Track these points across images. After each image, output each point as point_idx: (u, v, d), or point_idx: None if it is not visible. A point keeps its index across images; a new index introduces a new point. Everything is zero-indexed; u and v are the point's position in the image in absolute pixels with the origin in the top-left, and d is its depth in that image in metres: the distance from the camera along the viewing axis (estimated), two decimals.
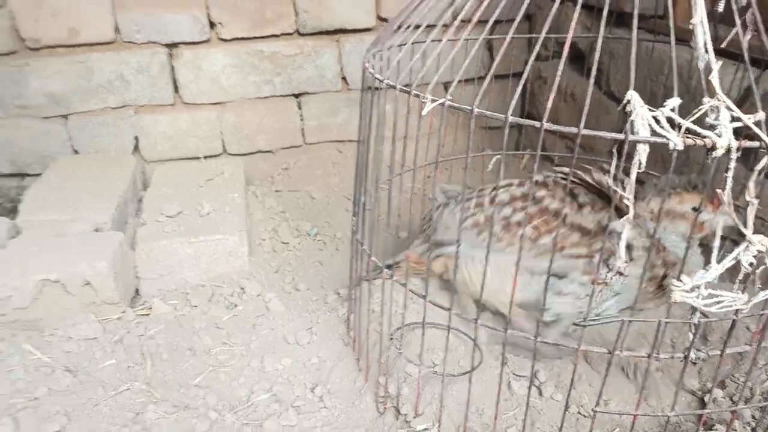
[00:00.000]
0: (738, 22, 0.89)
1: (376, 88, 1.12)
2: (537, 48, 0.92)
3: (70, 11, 2.04)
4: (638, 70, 1.75)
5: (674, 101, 0.78)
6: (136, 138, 2.25)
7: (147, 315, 1.50)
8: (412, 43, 1.19)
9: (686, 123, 0.77)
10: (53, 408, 1.20)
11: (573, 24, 0.85)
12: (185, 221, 1.70)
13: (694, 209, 1.16)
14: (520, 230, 1.23)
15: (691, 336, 0.78)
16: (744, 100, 1.41)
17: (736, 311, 0.77)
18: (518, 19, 0.94)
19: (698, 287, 0.77)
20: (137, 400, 1.24)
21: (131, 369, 1.33)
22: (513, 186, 1.37)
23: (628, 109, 0.79)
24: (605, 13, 0.87)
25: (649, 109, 0.78)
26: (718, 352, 0.79)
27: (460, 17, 1.04)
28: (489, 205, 1.34)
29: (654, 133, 0.76)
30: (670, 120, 0.77)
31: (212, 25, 2.19)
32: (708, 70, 0.80)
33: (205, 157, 2.31)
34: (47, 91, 2.12)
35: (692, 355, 0.78)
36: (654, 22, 1.70)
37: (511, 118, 0.85)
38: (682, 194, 1.18)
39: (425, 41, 1.04)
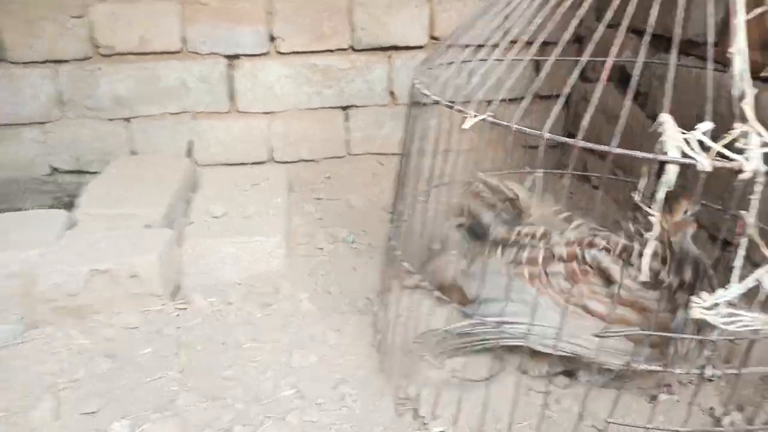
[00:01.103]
0: None
1: (423, 104, 1.16)
2: (580, 67, 0.94)
3: (143, 22, 2.19)
4: (685, 95, 1.72)
5: (706, 125, 0.79)
6: (191, 142, 2.36)
7: (186, 309, 1.56)
8: (461, 62, 1.23)
9: (717, 146, 0.77)
10: (92, 389, 1.27)
11: (615, 48, 0.87)
12: (229, 222, 1.77)
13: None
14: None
15: (708, 353, 0.77)
16: None
17: (756, 331, 0.76)
18: (564, 39, 0.96)
19: (717, 305, 0.76)
20: (170, 388, 1.30)
21: (167, 358, 1.39)
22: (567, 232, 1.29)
23: (659, 130, 0.80)
24: (646, 38, 0.89)
25: (682, 132, 0.79)
26: (735, 371, 0.78)
27: (509, 38, 1.07)
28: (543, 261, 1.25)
29: (684, 155, 0.77)
30: (701, 143, 0.78)
31: (272, 38, 2.29)
32: (741, 96, 0.81)
33: (252, 163, 2.41)
34: (114, 95, 2.26)
35: (708, 372, 0.78)
36: (704, 49, 1.68)
37: (547, 135, 0.87)
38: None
39: (472, 60, 1.08)
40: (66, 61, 2.19)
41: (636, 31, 1.96)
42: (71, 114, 2.26)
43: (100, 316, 1.50)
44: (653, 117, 1.91)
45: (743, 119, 0.79)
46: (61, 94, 2.23)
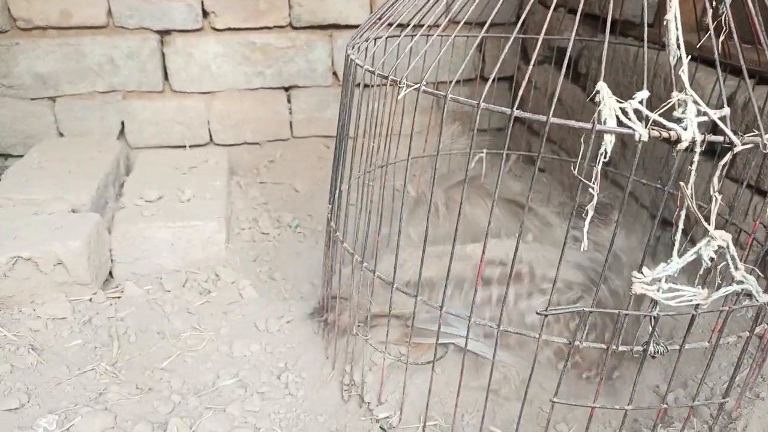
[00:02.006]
0: (711, 26, 0.89)
1: (364, 85, 1.12)
2: (536, 54, 0.91)
3: None
4: (624, 75, 1.75)
5: (643, 94, 0.78)
6: (122, 123, 2.24)
7: (118, 298, 1.48)
8: (392, 36, 1.19)
9: (653, 115, 0.77)
10: (14, 385, 1.19)
11: (545, 24, 0.85)
12: (165, 206, 1.69)
13: None
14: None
15: (650, 329, 0.77)
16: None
17: (696, 306, 0.77)
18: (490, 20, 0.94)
19: (659, 280, 0.77)
20: (101, 381, 1.23)
21: (98, 350, 1.32)
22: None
23: (597, 99, 0.79)
24: (578, 17, 0.88)
25: (618, 101, 0.78)
26: (677, 347, 0.79)
27: (448, 17, 1.05)
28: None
29: (621, 124, 0.76)
30: (638, 113, 0.77)
31: (205, 14, 2.18)
32: (678, 63, 0.80)
33: (191, 146, 2.30)
34: (35, 72, 2.11)
35: (651, 349, 0.78)
36: (642, 30, 1.71)
37: (483, 104, 0.85)
38: None
39: (411, 35, 1.04)
40: None
41: (573, 12, 1.98)
42: None
43: (24, 307, 1.40)
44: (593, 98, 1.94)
45: (680, 88, 0.78)
46: None
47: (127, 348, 1.33)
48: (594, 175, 0.75)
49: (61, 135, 2.21)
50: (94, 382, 1.22)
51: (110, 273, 1.58)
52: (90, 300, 1.45)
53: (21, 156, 2.01)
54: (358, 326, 1.14)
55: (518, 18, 2.34)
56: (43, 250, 1.39)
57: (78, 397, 1.18)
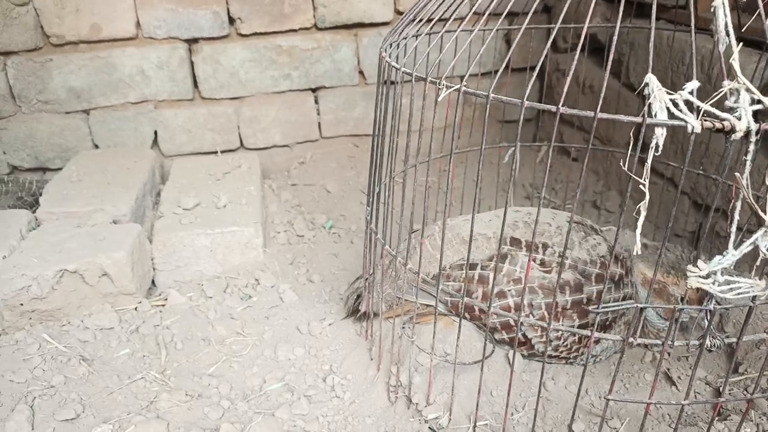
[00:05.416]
0: (761, 5, 0.86)
1: (392, 82, 1.12)
2: (552, 37, 0.90)
3: (93, 8, 2.08)
4: (659, 60, 1.71)
5: (693, 84, 0.76)
6: (155, 132, 2.28)
7: (163, 306, 1.51)
8: (428, 34, 1.18)
9: (705, 106, 0.74)
10: (69, 396, 1.22)
11: (590, 14, 0.83)
12: (202, 213, 1.71)
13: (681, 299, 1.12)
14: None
15: (706, 323, 0.76)
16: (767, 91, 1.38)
17: (753, 298, 0.75)
18: (531, 10, 0.92)
19: (714, 273, 0.75)
20: (151, 389, 1.25)
21: (146, 358, 1.34)
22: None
23: (645, 92, 0.77)
24: (620, 3, 0.86)
25: (668, 93, 0.76)
26: (734, 340, 0.77)
27: (474, 8, 1.03)
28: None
29: (672, 116, 0.74)
30: (689, 104, 0.75)
31: (231, 20, 2.20)
32: (728, 53, 0.78)
33: (223, 152, 2.33)
34: (69, 86, 2.15)
35: (707, 343, 0.76)
36: (675, 13, 1.67)
37: (527, 103, 0.84)
38: (680, 279, 1.12)
39: (440, 31, 1.03)
40: (14, 53, 2.07)
41: None
42: (24, 108, 2.15)
43: (72, 319, 1.44)
44: (627, 85, 1.90)
45: (731, 76, 0.76)
46: (11, 88, 2.11)
47: (175, 355, 1.35)
48: (645, 171, 0.73)
49: (96, 146, 2.25)
50: (145, 390, 1.25)
51: (153, 281, 1.61)
52: (135, 309, 1.48)
53: (59, 169, 2.06)
54: (403, 328, 1.14)
55: (546, 7, 2.31)
56: (88, 262, 1.43)
57: (130, 405, 1.20)
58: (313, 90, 2.36)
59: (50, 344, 1.36)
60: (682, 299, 1.11)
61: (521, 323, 1.13)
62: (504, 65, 0.94)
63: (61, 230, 1.58)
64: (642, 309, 0.81)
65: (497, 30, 1.60)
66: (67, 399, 1.21)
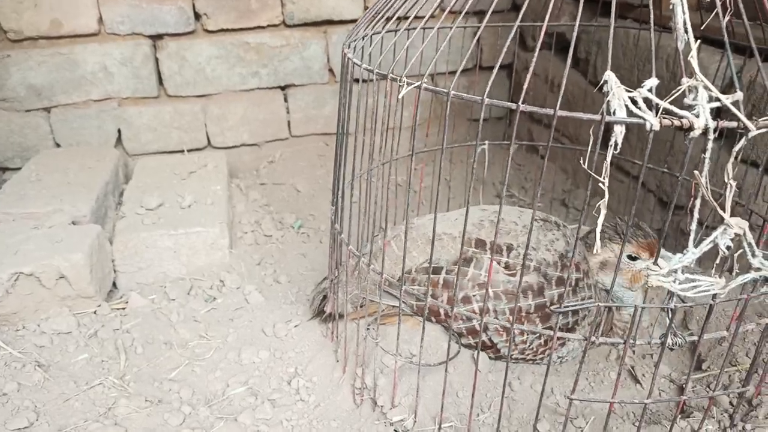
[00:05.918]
0: (718, 3, 0.86)
1: (356, 80, 1.10)
2: (514, 33, 0.89)
3: (52, 3, 2.02)
4: (625, 58, 1.72)
5: (652, 81, 0.76)
6: (119, 131, 2.22)
7: (123, 309, 1.47)
8: (389, 32, 1.16)
9: (663, 103, 0.74)
10: (22, 403, 1.17)
11: (548, 12, 0.82)
12: (165, 213, 1.67)
13: (630, 257, 1.13)
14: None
15: (667, 321, 0.75)
16: (729, 90, 1.40)
17: (714, 296, 0.75)
18: (490, 8, 0.91)
19: (675, 272, 0.74)
20: (110, 395, 1.21)
21: (105, 363, 1.30)
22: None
23: (605, 89, 0.76)
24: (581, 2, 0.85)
25: (627, 90, 0.75)
26: (696, 338, 0.77)
27: (438, 5, 1.02)
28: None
29: (631, 113, 0.73)
30: (648, 101, 0.75)
31: (197, 16, 2.16)
32: (687, 50, 0.78)
33: (189, 150, 2.28)
34: (29, 84, 2.09)
35: (669, 341, 0.76)
36: (641, 11, 1.68)
37: (487, 100, 0.83)
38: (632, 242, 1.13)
39: (400, 29, 1.02)
40: None
41: None
42: None
43: (28, 323, 1.39)
44: (594, 83, 1.91)
45: (689, 73, 0.76)
46: None
47: (135, 360, 1.31)
48: (604, 169, 0.73)
49: (58, 145, 2.19)
50: (103, 396, 1.21)
51: (114, 284, 1.57)
52: (95, 313, 1.44)
53: (19, 169, 1.99)
54: (368, 329, 1.12)
55: (515, 5, 2.31)
56: (44, 265, 1.38)
57: (87, 412, 1.16)
58: (283, 88, 2.32)
59: (4, 350, 1.31)
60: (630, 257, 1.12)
61: (487, 328, 1.13)
62: (464, 63, 0.93)
63: (17, 231, 1.53)
64: (606, 307, 0.80)
65: (465, 28, 1.59)
66: (20, 407, 1.16)
